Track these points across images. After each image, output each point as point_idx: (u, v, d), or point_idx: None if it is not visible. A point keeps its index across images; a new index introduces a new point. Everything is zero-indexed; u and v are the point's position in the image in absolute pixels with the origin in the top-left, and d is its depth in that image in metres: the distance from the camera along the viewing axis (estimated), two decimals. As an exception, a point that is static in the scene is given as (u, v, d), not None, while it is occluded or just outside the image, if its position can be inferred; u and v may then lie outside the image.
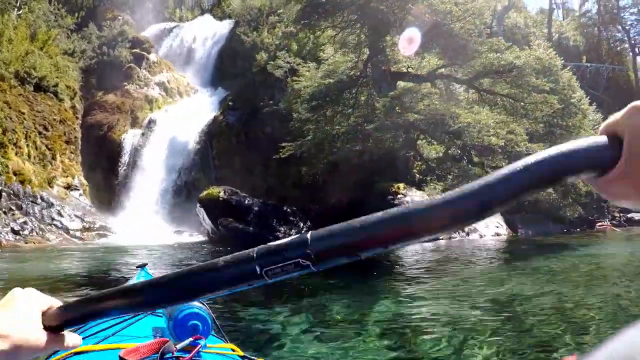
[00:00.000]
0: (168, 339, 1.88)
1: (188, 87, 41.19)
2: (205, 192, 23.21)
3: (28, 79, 28.82)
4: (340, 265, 0.74)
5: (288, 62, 30.33)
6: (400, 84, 24.19)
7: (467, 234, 21.81)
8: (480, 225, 21.91)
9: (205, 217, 22.67)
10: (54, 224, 22.85)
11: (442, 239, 20.37)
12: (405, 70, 24.83)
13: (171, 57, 43.83)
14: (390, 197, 21.33)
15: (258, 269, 0.74)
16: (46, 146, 27.14)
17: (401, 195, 21.48)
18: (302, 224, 21.88)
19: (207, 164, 31.99)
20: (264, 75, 34.04)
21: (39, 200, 23.55)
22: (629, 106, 0.65)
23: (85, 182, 28.92)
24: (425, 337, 6.37)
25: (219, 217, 21.96)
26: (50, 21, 37.18)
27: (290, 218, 22.36)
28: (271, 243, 0.75)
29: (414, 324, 7.08)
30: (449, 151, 23.60)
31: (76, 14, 42.22)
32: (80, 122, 33.85)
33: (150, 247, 20.96)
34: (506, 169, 0.65)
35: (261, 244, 0.77)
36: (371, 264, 12.98)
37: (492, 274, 12.90)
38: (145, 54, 40.90)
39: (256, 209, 22.39)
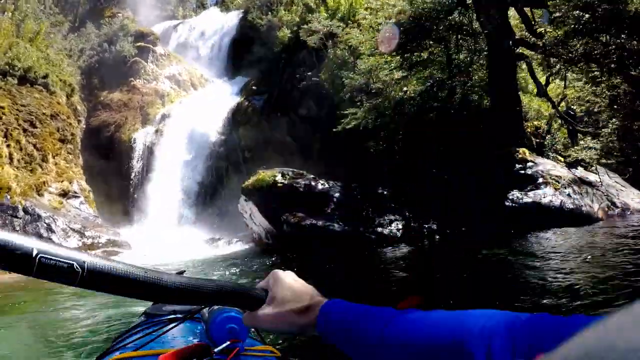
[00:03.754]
0: (206, 343, 1.83)
1: (202, 78, 34.17)
2: (251, 179, 15.98)
3: (11, 71, 21.63)
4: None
5: (324, 26, 22.86)
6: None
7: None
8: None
9: (256, 214, 15.42)
10: (42, 244, 15.48)
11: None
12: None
13: (179, 52, 36.96)
14: (519, 166, 14.06)
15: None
16: (34, 146, 19.83)
17: (531, 164, 14.22)
18: (407, 214, 14.37)
19: (235, 155, 24.69)
20: (288, 53, 27.83)
21: (21, 213, 16.32)
22: (271, 273, 1.14)
23: (87, 187, 21.64)
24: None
25: (280, 211, 14.80)
26: (40, 19, 30.42)
27: (389, 205, 14.79)
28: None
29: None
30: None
31: (72, 14, 36.38)
32: (84, 126, 26.92)
33: (178, 263, 13.73)
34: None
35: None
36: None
37: None
38: (151, 46, 34.02)
39: (337, 195, 15.09)
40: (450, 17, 15.50)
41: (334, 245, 13.35)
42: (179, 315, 2.46)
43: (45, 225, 16.43)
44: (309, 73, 23.91)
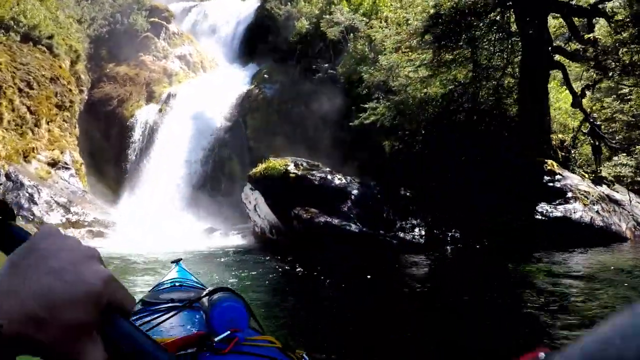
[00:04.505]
0: (206, 332, 1.78)
1: (213, 62, 32.64)
2: (260, 167, 14.41)
3: (15, 27, 20.02)
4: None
5: (347, 19, 21.43)
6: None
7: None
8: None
9: (262, 205, 13.82)
10: (21, 215, 13.88)
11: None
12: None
13: (192, 35, 35.30)
14: (548, 178, 12.75)
15: None
16: (28, 108, 18.22)
17: (559, 177, 12.93)
18: (429, 219, 12.86)
19: (240, 144, 23.20)
20: (305, 44, 26.71)
21: (2, 179, 14.61)
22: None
23: (80, 159, 20.02)
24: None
25: (291, 205, 13.14)
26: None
27: (411, 208, 13.21)
28: None
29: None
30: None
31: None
32: (86, 97, 25.35)
33: (168, 253, 12.21)
34: None
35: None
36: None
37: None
38: (165, 23, 32.49)
39: (355, 192, 13.51)
40: (490, 16, 14.03)
41: (349, 245, 11.85)
42: (178, 304, 2.36)
43: (27, 195, 14.84)
44: (326, 65, 22.43)
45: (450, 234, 12.25)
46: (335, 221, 12.42)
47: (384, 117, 15.12)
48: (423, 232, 12.42)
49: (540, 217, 12.23)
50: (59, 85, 20.30)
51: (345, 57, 20.99)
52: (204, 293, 2.24)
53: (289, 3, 33.28)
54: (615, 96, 17.28)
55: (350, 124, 16.65)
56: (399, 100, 14.77)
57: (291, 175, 13.56)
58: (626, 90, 15.56)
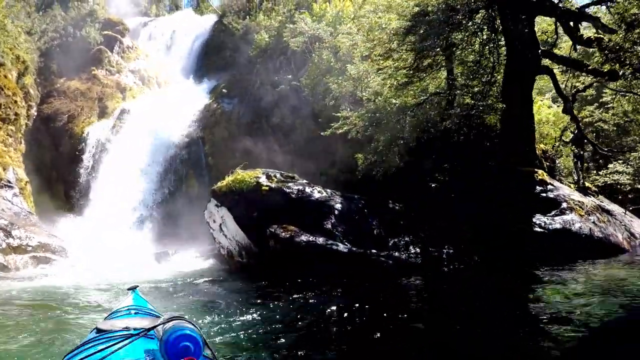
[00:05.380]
0: None
1: (168, 77, 31.27)
2: (227, 180, 13.04)
3: (-53, 32, 18.31)
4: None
5: (310, 28, 20.52)
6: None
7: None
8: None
9: (230, 224, 12.42)
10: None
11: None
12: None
13: (149, 50, 33.97)
14: (540, 188, 12.02)
15: None
16: (-36, 119, 16.38)
17: (551, 187, 12.21)
18: (421, 235, 11.78)
19: (198, 161, 21.97)
20: (265, 58, 25.23)
21: None
22: None
23: (25, 177, 18.34)
24: None
25: (264, 223, 11.71)
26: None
27: (401, 222, 12.06)
28: None
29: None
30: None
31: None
32: (35, 113, 23.68)
33: (122, 281, 10.93)
34: None
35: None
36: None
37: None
38: (119, 36, 31.01)
39: (338, 206, 12.22)
40: (479, 15, 13.19)
41: (334, 265, 10.62)
42: (133, 332, 2.32)
43: (-42, 219, 13.21)
44: (289, 77, 21.41)
45: (445, 251, 11.24)
46: (320, 240, 11.10)
47: (355, 128, 14.13)
48: (418, 250, 11.34)
49: (539, 230, 11.42)
50: (2, 97, 18.62)
51: (310, 68, 20.04)
52: (159, 321, 2.21)
53: (247, 17, 32.46)
54: (597, 104, 16.93)
55: (322, 133, 15.62)
56: (374, 108, 13.80)
57: (264, 188, 12.19)
58: (608, 98, 15.13)
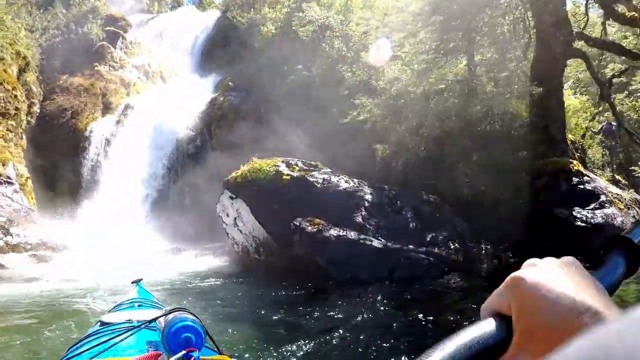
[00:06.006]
0: (161, 352, 1.80)
1: (173, 72, 30.46)
2: (242, 169, 12.01)
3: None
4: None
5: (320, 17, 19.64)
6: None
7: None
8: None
9: (246, 218, 11.28)
10: (-55, 240, 11.42)
11: None
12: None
13: (152, 46, 33.25)
14: (577, 180, 10.95)
15: None
16: (-38, 113, 15.56)
17: (587, 179, 11.17)
18: (458, 229, 10.83)
19: (205, 156, 21.12)
20: (272, 50, 24.35)
21: None
22: (508, 279, 0.54)
23: (26, 173, 17.51)
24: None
25: (288, 215, 10.55)
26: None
27: (437, 215, 11.04)
28: None
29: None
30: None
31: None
32: (38, 110, 22.96)
33: (127, 278, 10.07)
34: None
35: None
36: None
37: None
38: (121, 32, 30.20)
39: (368, 197, 11.13)
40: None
41: (367, 264, 9.63)
42: (135, 324, 2.28)
43: (-47, 216, 12.36)
44: (299, 67, 20.52)
45: (483, 247, 10.33)
46: (352, 234, 10.03)
47: (374, 117, 13.19)
48: (458, 246, 10.39)
49: (580, 224, 10.45)
50: (1, 91, 17.77)
51: (322, 58, 19.17)
52: (161, 313, 2.17)
53: (252, 10, 31.67)
54: (627, 92, 15.97)
55: (342, 121, 14.72)
56: (393, 96, 12.84)
57: (284, 177, 11.14)
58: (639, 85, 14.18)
